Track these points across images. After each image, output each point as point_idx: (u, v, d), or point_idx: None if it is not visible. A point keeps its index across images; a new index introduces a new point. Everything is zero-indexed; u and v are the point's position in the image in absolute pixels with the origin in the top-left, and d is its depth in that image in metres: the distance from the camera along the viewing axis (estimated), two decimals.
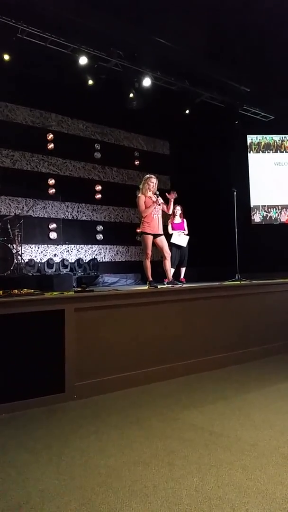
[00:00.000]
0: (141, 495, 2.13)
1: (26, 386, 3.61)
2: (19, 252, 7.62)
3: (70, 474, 2.40)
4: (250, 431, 2.95)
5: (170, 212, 6.03)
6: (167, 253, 5.82)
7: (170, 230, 7.62)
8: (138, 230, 5.52)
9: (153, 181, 5.69)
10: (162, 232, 5.76)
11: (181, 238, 7.65)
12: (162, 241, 5.72)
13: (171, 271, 6.15)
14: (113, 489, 2.20)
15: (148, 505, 2.05)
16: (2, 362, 3.56)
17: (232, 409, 3.42)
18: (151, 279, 5.55)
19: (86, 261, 9.61)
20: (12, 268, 7.20)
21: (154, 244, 5.68)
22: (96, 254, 10.17)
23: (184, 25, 7.18)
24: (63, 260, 9.19)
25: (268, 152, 10.88)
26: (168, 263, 5.87)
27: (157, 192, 5.71)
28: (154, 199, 5.63)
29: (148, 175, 5.81)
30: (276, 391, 3.89)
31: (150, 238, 5.62)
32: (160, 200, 5.69)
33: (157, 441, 2.81)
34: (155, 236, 5.65)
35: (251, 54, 8.00)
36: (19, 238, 7.66)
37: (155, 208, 5.62)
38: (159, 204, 5.66)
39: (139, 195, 5.68)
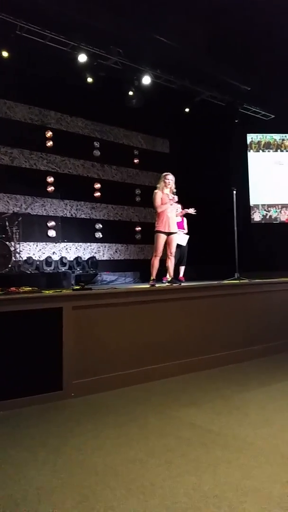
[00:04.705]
0: (138, 493, 2.12)
1: (23, 384, 3.59)
2: (18, 250, 7.61)
3: (67, 472, 2.38)
4: (248, 430, 2.94)
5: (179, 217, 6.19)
6: (171, 253, 5.86)
7: None
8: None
9: (169, 178, 5.76)
10: (175, 231, 5.80)
11: (180, 237, 7.64)
12: (172, 239, 5.77)
13: (172, 270, 6.16)
14: (110, 487, 2.19)
15: (145, 503, 2.03)
16: (0, 360, 3.54)
17: (230, 408, 3.42)
18: (154, 277, 5.56)
19: (85, 259, 9.59)
20: (10, 265, 7.19)
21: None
22: (95, 252, 10.15)
23: (184, 23, 7.17)
24: (61, 258, 9.17)
25: (268, 151, 10.86)
26: (170, 262, 5.90)
27: (174, 191, 5.78)
28: (171, 197, 5.67)
29: (165, 173, 5.85)
30: (275, 390, 3.89)
31: (163, 237, 5.66)
32: (176, 199, 5.74)
33: (154, 439, 2.80)
34: (168, 234, 5.70)
35: (252, 53, 7.98)
36: (17, 236, 7.64)
37: (171, 204, 5.68)
38: (176, 202, 5.75)
39: (156, 191, 5.73)
